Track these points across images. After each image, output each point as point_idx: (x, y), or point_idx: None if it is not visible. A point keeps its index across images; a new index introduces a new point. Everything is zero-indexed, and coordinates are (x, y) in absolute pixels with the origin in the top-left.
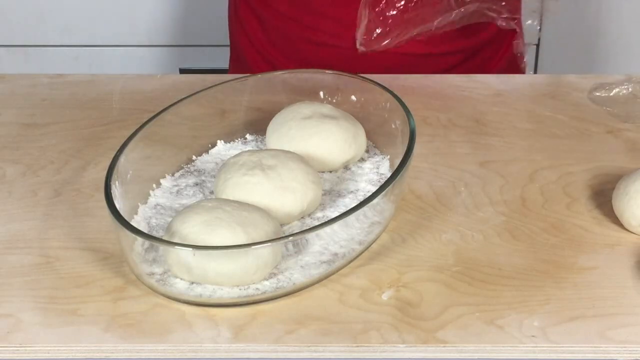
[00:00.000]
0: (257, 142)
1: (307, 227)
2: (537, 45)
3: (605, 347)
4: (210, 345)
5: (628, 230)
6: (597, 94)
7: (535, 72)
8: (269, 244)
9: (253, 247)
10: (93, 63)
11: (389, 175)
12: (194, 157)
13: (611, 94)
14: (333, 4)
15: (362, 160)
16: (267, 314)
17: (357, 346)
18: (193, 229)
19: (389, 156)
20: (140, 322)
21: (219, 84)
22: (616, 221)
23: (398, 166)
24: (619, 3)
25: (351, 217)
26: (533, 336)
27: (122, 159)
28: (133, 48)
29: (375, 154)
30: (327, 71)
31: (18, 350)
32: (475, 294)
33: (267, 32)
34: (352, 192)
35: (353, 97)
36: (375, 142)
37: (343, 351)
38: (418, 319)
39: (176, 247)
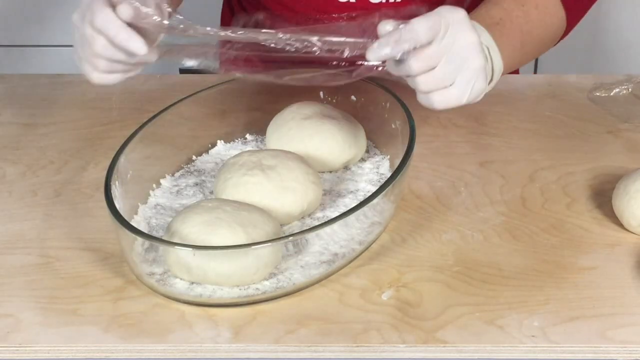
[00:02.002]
0: (257, 142)
1: (307, 227)
2: None
3: (605, 347)
4: (210, 345)
5: (628, 230)
6: (597, 94)
7: (535, 72)
8: (269, 244)
9: (253, 247)
10: None
11: (389, 175)
12: (194, 157)
13: (611, 94)
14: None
15: (362, 160)
16: (267, 314)
17: (357, 346)
18: (193, 229)
19: (389, 156)
20: (140, 322)
21: (219, 84)
22: (616, 221)
23: (398, 166)
24: (619, 3)
25: (351, 217)
26: (533, 336)
27: (122, 159)
28: None
29: (375, 154)
30: (327, 71)
31: (18, 350)
32: (475, 294)
33: None
34: (352, 192)
35: (353, 97)
36: (375, 142)
37: (343, 351)
38: (418, 319)
39: (176, 247)
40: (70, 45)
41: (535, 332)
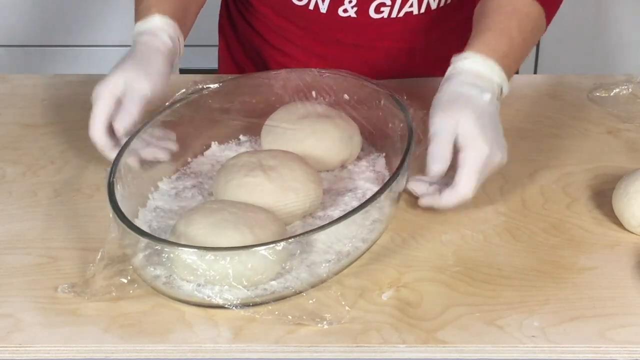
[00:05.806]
0: (251, 142)
1: (310, 226)
2: (537, 45)
3: (605, 347)
4: (210, 345)
5: (628, 231)
6: (597, 94)
7: (535, 72)
8: (281, 243)
9: (262, 247)
10: (93, 63)
11: (385, 172)
12: (189, 159)
13: (611, 94)
14: (301, 36)
15: (358, 158)
16: (267, 314)
17: (357, 346)
18: (200, 230)
19: (384, 154)
20: (140, 322)
21: (211, 86)
22: (616, 221)
23: (400, 162)
24: (619, 3)
25: (357, 215)
26: (533, 336)
27: (122, 163)
28: None
29: (370, 152)
30: (322, 70)
31: (18, 350)
32: (475, 294)
33: (244, 46)
34: (350, 190)
35: (346, 96)
36: (369, 139)
37: (343, 351)
38: (418, 319)
39: (185, 249)
40: (70, 45)
41: (535, 332)
